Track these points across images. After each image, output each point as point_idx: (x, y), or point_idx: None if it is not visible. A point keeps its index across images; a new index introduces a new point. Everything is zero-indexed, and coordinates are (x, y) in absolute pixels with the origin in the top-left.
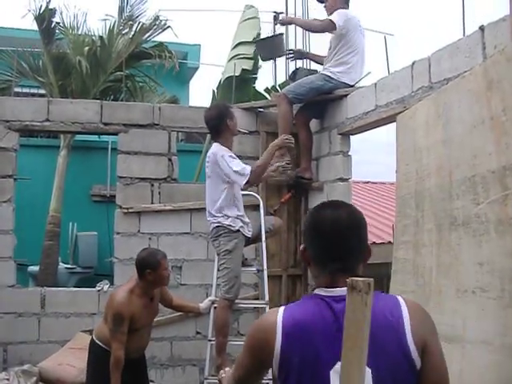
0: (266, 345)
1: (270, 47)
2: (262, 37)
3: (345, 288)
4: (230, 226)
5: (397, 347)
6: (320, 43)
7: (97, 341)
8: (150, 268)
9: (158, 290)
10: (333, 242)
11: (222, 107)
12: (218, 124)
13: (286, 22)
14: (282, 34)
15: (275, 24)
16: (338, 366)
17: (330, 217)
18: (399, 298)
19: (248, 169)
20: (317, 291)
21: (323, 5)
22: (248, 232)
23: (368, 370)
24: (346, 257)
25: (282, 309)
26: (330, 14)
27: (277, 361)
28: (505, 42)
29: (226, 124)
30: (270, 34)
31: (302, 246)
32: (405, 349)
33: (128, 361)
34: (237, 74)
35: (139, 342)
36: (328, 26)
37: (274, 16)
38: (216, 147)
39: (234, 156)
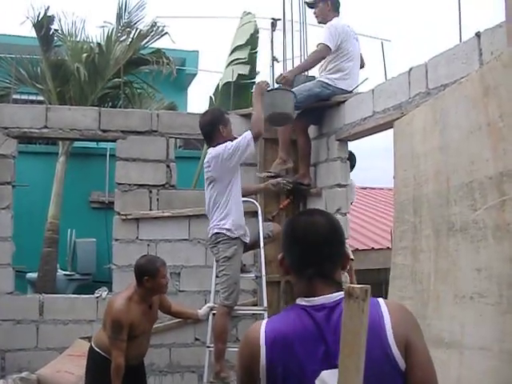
0: (252, 359)
1: (274, 101)
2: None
3: (323, 296)
4: (230, 231)
5: (379, 349)
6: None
7: (96, 348)
8: (149, 275)
9: (157, 297)
10: (308, 248)
11: (216, 113)
12: (211, 130)
13: (289, 80)
14: (289, 91)
15: (273, 31)
16: (323, 374)
17: (305, 223)
18: (379, 299)
19: (248, 134)
20: (298, 301)
21: (313, 11)
22: (246, 238)
23: None
24: (321, 262)
25: (264, 322)
26: (320, 22)
27: (263, 373)
28: (501, 49)
29: (219, 130)
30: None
31: (280, 255)
32: (387, 351)
33: (127, 368)
34: (233, 80)
35: (139, 349)
36: (324, 52)
37: (272, 23)
38: (214, 151)
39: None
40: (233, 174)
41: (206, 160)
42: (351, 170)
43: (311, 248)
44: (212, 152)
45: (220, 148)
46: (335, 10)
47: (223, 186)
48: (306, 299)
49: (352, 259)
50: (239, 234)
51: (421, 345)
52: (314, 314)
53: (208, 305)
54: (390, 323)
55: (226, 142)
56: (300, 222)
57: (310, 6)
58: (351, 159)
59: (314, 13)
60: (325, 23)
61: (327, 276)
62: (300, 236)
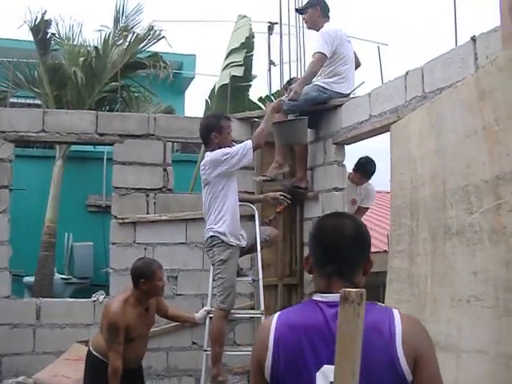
0: (262, 349)
1: (290, 131)
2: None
3: (338, 294)
4: (224, 235)
5: (387, 360)
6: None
7: (93, 352)
8: (145, 277)
9: (154, 301)
10: (332, 246)
11: (211, 120)
12: (205, 135)
13: (295, 94)
14: (304, 119)
15: (270, 35)
16: (325, 368)
17: (333, 223)
18: (395, 310)
19: (248, 143)
20: (314, 296)
21: (303, 16)
22: (243, 243)
23: None
24: (343, 261)
25: (277, 314)
26: (310, 27)
27: (269, 356)
28: (496, 53)
29: (211, 137)
30: (292, 117)
31: (306, 255)
32: (395, 362)
33: (125, 371)
34: (228, 82)
35: (136, 352)
36: (322, 60)
37: (269, 26)
38: (211, 154)
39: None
40: (228, 178)
41: (202, 163)
42: (370, 177)
43: (335, 247)
44: (209, 155)
45: (217, 153)
46: (325, 15)
47: (218, 189)
48: (322, 295)
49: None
50: (235, 243)
51: (431, 360)
52: (326, 309)
53: (205, 308)
54: (401, 334)
55: (221, 147)
56: (328, 222)
57: (300, 11)
58: (371, 166)
59: (304, 19)
60: (315, 29)
61: (346, 277)
62: (326, 235)
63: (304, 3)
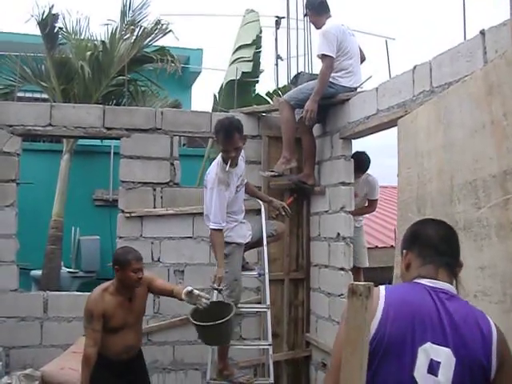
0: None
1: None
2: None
3: (444, 283)
4: (232, 238)
5: (479, 350)
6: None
7: None
8: (118, 265)
9: (143, 290)
10: (442, 239)
11: (221, 125)
12: (229, 132)
13: (315, 111)
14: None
15: (277, 29)
16: (428, 345)
17: (436, 223)
18: (488, 317)
19: (218, 224)
20: (417, 280)
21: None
22: (248, 238)
23: (453, 360)
24: (451, 254)
25: (383, 286)
26: (319, 27)
27: (375, 325)
28: (505, 47)
29: (235, 137)
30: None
31: (404, 252)
32: (487, 354)
33: (117, 362)
34: (237, 78)
35: (123, 342)
36: (329, 63)
37: (276, 21)
38: (213, 166)
39: (223, 185)
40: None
41: (209, 170)
42: (365, 170)
43: (444, 241)
44: (214, 166)
45: (212, 169)
46: (320, 13)
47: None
48: (430, 280)
49: None
50: (238, 241)
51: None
52: (434, 293)
53: (187, 288)
54: (496, 339)
55: (223, 152)
56: (431, 222)
57: (305, 15)
58: (365, 161)
59: (310, 20)
60: (319, 28)
61: (451, 268)
62: (434, 231)
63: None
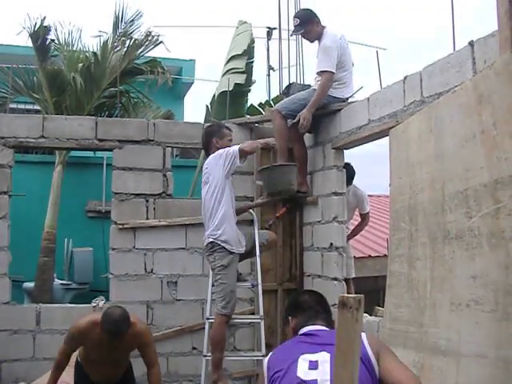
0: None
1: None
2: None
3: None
4: (226, 243)
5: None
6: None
7: (78, 356)
8: (102, 327)
9: (131, 344)
10: (316, 303)
11: (214, 126)
12: (206, 142)
13: (310, 120)
14: (294, 165)
15: (269, 40)
16: (306, 355)
17: (309, 292)
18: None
19: (235, 147)
20: (300, 331)
21: (300, 34)
22: (243, 248)
23: (328, 355)
24: (325, 311)
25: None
26: (313, 40)
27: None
28: (494, 57)
29: (213, 142)
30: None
31: (285, 320)
32: (366, 357)
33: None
34: (230, 89)
35: (101, 374)
36: (330, 78)
37: (268, 32)
38: (212, 155)
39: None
40: (225, 180)
41: (205, 163)
42: (350, 183)
43: (318, 302)
44: (211, 156)
45: (217, 152)
46: (316, 20)
47: (217, 192)
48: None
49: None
50: (236, 250)
51: (390, 354)
52: (308, 333)
53: None
54: (365, 335)
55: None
56: (306, 292)
57: (295, 33)
58: (350, 171)
59: (303, 36)
60: (315, 40)
61: (328, 322)
62: (309, 298)
63: (302, 9)
